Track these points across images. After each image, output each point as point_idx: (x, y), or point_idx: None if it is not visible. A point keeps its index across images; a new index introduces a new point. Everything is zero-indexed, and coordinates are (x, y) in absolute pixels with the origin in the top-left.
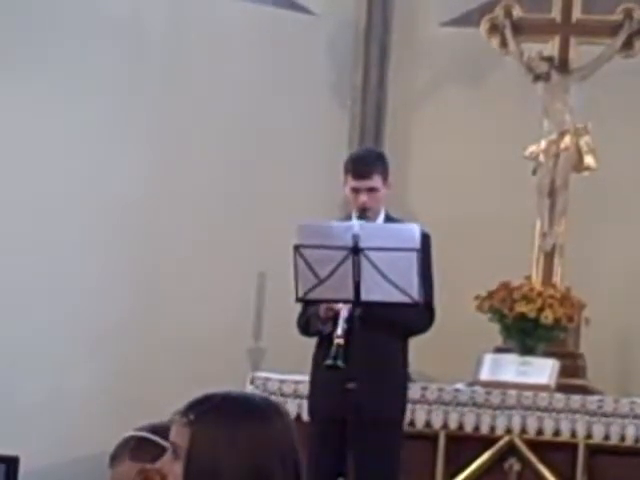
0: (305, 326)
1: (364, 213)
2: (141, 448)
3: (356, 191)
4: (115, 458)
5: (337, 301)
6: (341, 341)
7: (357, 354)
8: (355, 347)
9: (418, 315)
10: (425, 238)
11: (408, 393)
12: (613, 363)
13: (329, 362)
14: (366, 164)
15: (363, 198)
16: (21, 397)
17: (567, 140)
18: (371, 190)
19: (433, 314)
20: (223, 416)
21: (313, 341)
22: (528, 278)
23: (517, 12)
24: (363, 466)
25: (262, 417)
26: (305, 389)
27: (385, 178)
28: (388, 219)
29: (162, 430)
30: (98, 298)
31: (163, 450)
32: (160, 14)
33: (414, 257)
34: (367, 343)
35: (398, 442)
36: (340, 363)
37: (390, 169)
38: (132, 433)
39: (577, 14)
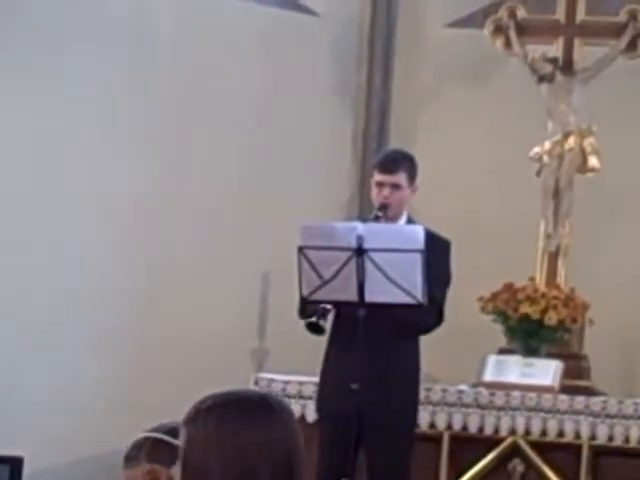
0: (303, 309)
1: (384, 210)
2: (157, 450)
3: (380, 185)
4: (131, 459)
5: (341, 302)
6: (328, 306)
7: (361, 355)
8: (359, 348)
9: (422, 313)
10: (446, 244)
11: (419, 395)
12: (617, 364)
13: (312, 319)
14: (393, 159)
15: (385, 192)
16: (24, 398)
17: (571, 141)
18: (395, 187)
19: (442, 314)
20: (213, 415)
21: (318, 342)
22: (532, 279)
23: (521, 13)
24: (375, 467)
25: (253, 417)
26: (309, 390)
27: (411, 179)
28: (410, 223)
29: (176, 431)
30: (100, 298)
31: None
32: (165, 15)
33: (418, 258)
34: (370, 344)
35: (407, 444)
36: (322, 323)
37: None
38: (147, 434)
39: (581, 15)
